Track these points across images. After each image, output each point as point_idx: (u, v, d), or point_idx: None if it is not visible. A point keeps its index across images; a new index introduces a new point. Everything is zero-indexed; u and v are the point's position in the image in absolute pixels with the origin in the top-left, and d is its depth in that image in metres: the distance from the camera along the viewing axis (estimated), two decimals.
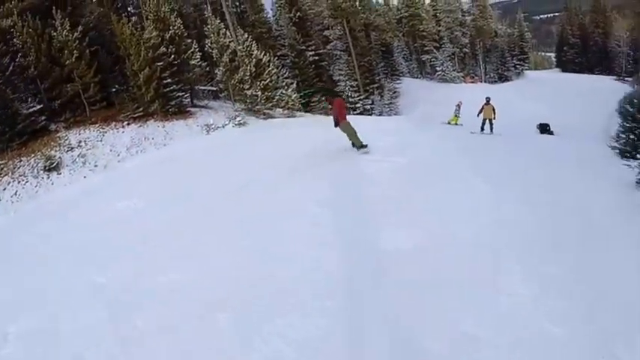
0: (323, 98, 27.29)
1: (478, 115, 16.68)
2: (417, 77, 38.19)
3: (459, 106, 19.92)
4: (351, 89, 29.61)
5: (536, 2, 47.87)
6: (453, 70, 36.78)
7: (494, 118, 16.25)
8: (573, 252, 4.17)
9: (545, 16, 49.55)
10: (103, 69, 16.82)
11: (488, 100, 16.49)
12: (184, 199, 7.60)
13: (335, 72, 30.79)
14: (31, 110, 14.59)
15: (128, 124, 15.92)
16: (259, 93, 19.61)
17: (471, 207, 5.23)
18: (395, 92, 31.39)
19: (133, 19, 18.22)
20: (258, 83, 20.06)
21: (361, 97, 29.52)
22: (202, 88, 22.45)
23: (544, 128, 18.60)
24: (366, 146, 8.19)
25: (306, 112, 25.72)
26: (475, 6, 38.58)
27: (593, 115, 21.45)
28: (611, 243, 4.37)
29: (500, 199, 5.45)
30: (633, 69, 35.40)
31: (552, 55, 48.19)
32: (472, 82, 36.90)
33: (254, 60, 20.58)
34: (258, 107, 19.62)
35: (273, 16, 32.70)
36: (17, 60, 14.89)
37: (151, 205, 8.00)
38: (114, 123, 15.90)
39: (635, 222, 4.91)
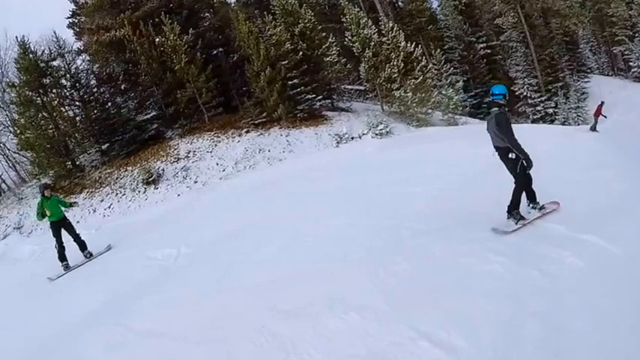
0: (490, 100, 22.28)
1: None
2: (608, 74, 30.28)
3: None
4: (530, 89, 24.44)
5: None
6: None
7: None
8: None
9: None
10: (222, 72, 15.07)
11: None
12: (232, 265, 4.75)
13: (511, 67, 25.64)
14: (146, 117, 13.41)
15: (247, 131, 13.81)
16: (409, 94, 16.04)
17: None
18: (583, 93, 24.60)
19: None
20: (409, 82, 16.46)
21: (542, 98, 23.94)
22: (348, 87, 19.74)
23: None
24: None
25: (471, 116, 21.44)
26: None
27: None
28: None
29: None
30: None
31: None
32: None
33: (401, 53, 16.86)
34: (411, 111, 16.15)
35: (438, 6, 28.75)
36: (130, 68, 13.99)
37: (193, 262, 5.46)
38: (232, 130, 13.95)
39: None
